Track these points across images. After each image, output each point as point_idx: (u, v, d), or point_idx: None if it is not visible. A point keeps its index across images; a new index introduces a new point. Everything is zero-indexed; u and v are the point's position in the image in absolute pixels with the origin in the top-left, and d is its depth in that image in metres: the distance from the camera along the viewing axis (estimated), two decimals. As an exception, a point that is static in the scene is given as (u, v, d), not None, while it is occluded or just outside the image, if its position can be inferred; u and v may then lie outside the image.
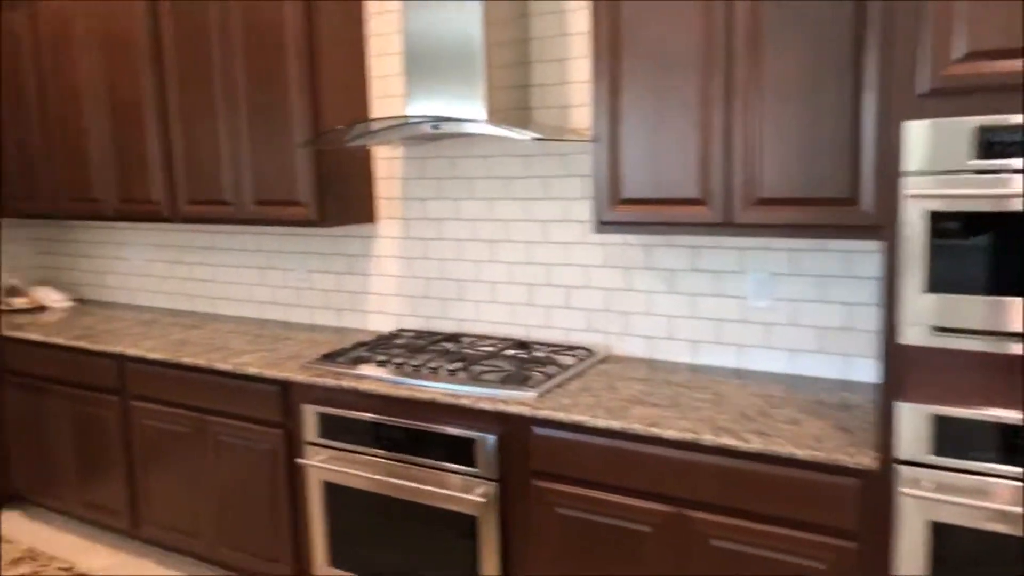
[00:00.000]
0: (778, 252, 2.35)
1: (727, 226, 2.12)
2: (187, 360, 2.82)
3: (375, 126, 2.54)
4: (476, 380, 2.34)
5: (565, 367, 2.47)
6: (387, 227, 3.06)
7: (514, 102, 2.58)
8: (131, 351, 2.98)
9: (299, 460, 2.58)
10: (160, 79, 3.13)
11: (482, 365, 2.50)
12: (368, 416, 2.44)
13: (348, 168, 2.93)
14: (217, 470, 2.84)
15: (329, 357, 2.67)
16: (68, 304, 3.98)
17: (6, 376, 3.49)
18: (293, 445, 2.65)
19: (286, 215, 2.89)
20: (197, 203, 3.13)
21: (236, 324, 3.38)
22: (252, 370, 2.66)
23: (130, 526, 3.16)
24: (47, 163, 3.58)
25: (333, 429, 2.52)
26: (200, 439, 2.86)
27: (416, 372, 2.44)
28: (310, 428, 2.57)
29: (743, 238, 2.39)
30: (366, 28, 2.96)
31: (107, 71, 3.28)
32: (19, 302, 3.85)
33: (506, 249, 2.81)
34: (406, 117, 2.46)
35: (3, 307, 3.84)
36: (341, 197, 2.90)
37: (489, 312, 2.88)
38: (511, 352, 2.66)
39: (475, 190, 2.83)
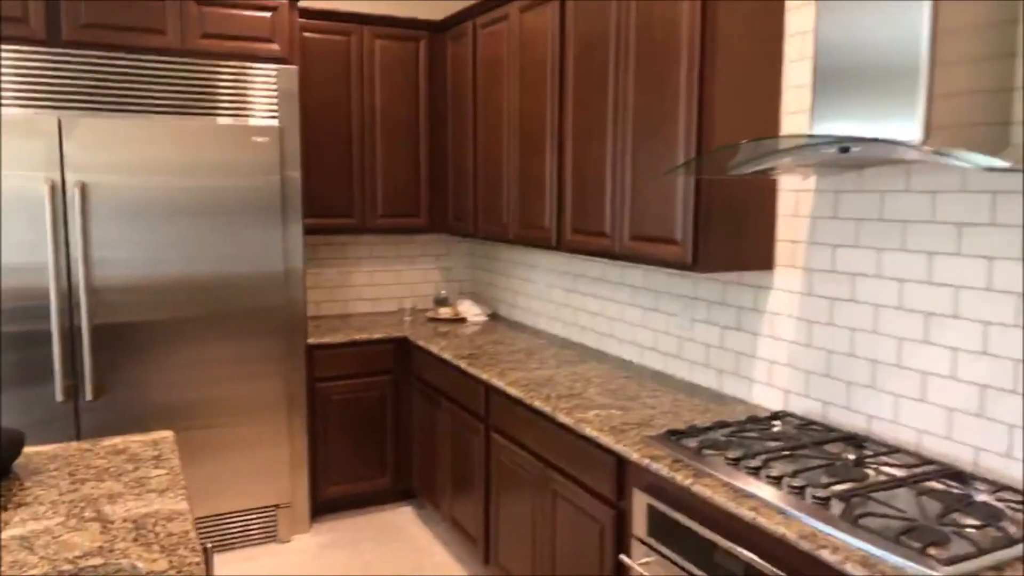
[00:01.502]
0: None
1: None
2: (536, 403, 2.57)
3: (761, 148, 1.92)
4: (852, 522, 1.57)
5: (1021, 534, 1.53)
6: (786, 278, 2.38)
7: (978, 114, 1.70)
8: (495, 381, 2.86)
9: (622, 557, 2.11)
10: (560, 101, 2.95)
11: (875, 498, 1.70)
12: (698, 528, 1.85)
13: (742, 201, 2.34)
14: (554, 532, 2.53)
15: (674, 435, 2.14)
16: (483, 319, 4.15)
17: (415, 381, 3.74)
18: (622, 533, 2.19)
19: (658, 254, 2.44)
20: (580, 232, 2.87)
21: (611, 367, 3.04)
22: (589, 431, 2.28)
23: (483, 558, 3.07)
24: (475, 185, 3.73)
25: (662, 530, 1.99)
26: (542, 492, 2.59)
27: (772, 485, 1.77)
28: (639, 520, 2.08)
29: None
30: (785, 25, 2.33)
31: (521, 95, 3.24)
32: (444, 312, 4.13)
33: (950, 328, 1.91)
34: (806, 137, 1.80)
35: (431, 315, 4.16)
36: (728, 237, 2.33)
37: (914, 414, 2.01)
38: (934, 485, 1.78)
39: (909, 239, 1.99)
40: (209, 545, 1.69)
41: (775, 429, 2.20)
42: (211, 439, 3.34)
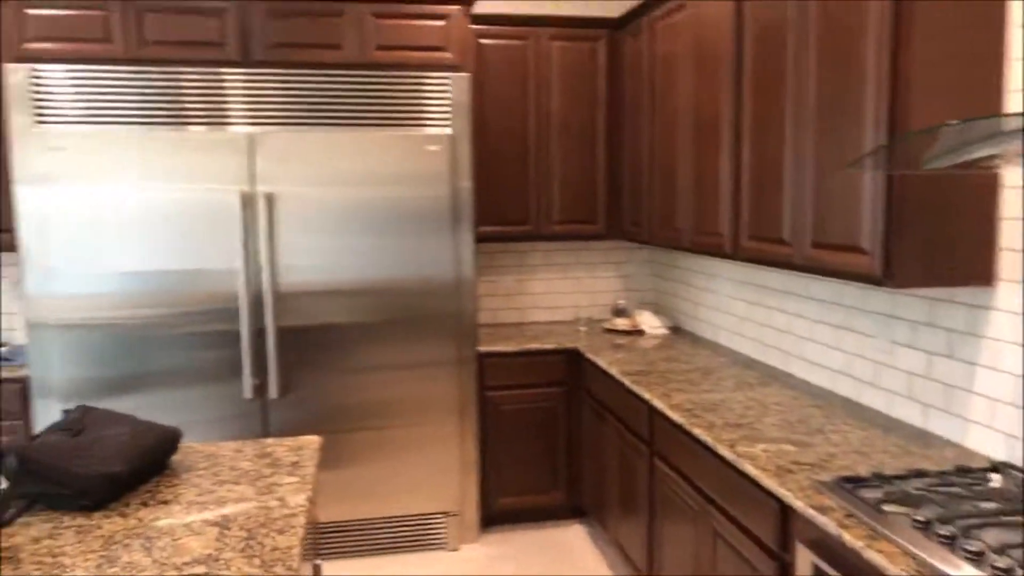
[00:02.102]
0: None
1: None
2: (696, 431, 2.30)
3: (967, 133, 1.53)
4: (1082, 630, 1.18)
5: None
6: (1011, 296, 1.92)
7: None
8: (656, 402, 2.62)
9: (782, 618, 1.80)
10: (737, 93, 2.65)
11: (1122, 595, 1.28)
12: (872, 605, 1.51)
13: (950, 201, 1.92)
14: (714, 574, 2.26)
15: (851, 482, 1.79)
16: (663, 331, 3.88)
17: (585, 395, 3.57)
18: (786, 590, 1.88)
19: (842, 265, 2.07)
20: (757, 239, 2.55)
21: (797, 393, 2.67)
22: (749, 468, 1.98)
23: (646, 591, 2.84)
24: (649, 188, 3.50)
25: (830, 596, 1.66)
26: (704, 529, 2.32)
27: (969, 562, 1.39)
28: (804, 579, 1.76)
29: None
30: (1013, -18, 1.88)
31: (696, 90, 2.97)
32: (621, 323, 3.93)
33: None
34: (1019, 117, 1.40)
35: (607, 326, 3.98)
36: (931, 245, 1.92)
37: None
38: None
39: None
40: (319, 562, 1.66)
41: (991, 485, 1.77)
42: (384, 441, 3.42)
